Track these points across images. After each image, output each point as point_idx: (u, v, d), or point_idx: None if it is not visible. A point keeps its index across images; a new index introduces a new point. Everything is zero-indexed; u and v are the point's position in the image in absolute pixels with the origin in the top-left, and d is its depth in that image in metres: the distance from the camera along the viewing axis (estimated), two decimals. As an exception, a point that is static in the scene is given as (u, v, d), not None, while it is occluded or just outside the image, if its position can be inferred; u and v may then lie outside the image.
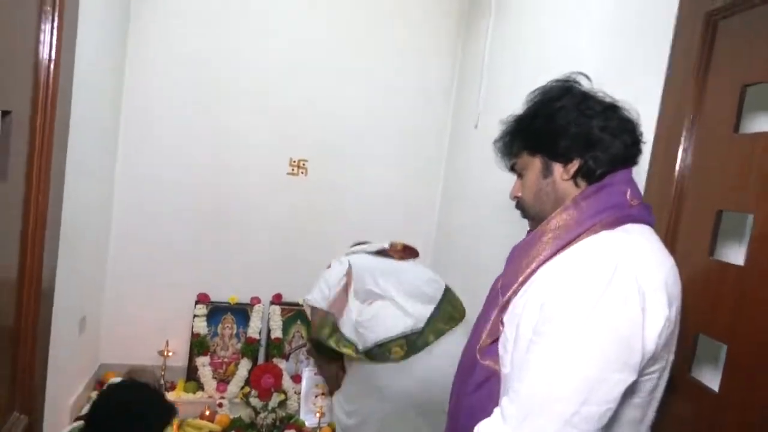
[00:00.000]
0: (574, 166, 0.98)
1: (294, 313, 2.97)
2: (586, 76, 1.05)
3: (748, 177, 1.10)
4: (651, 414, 0.93)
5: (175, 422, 2.49)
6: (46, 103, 1.04)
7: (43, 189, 1.04)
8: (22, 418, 1.06)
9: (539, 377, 0.82)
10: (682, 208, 1.27)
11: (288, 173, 2.90)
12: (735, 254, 1.20)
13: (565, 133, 0.98)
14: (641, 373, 0.84)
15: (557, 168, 1.00)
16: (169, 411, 1.66)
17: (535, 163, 1.03)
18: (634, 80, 1.44)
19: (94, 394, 2.54)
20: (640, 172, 1.35)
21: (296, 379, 2.86)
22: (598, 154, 0.96)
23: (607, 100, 1.02)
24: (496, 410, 0.87)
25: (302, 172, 2.92)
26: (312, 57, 2.84)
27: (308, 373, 2.86)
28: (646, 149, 1.35)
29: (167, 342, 2.75)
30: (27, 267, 1.00)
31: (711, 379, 1.18)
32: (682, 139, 1.26)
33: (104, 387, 1.64)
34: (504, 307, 0.95)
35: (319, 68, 2.85)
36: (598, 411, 0.79)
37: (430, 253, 3.14)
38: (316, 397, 2.83)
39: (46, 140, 1.05)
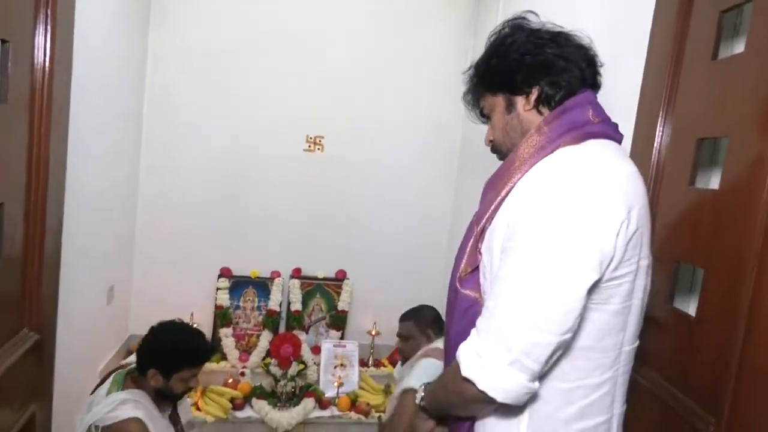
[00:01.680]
0: (534, 95, 1.00)
1: (313, 286, 3.05)
2: (536, 14, 1.07)
3: (725, 101, 1.10)
4: (633, 325, 0.93)
5: (200, 389, 2.61)
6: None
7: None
8: (32, 335, 1.15)
9: (505, 289, 0.85)
10: (665, 142, 1.27)
11: (305, 149, 2.98)
12: (714, 182, 1.19)
13: (519, 65, 1.00)
14: (610, 276, 0.86)
15: (519, 101, 1.02)
16: (209, 348, 1.82)
17: (499, 102, 1.06)
18: (627, 28, 1.44)
19: (123, 362, 2.69)
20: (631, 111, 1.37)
21: (315, 350, 2.94)
22: (554, 79, 0.99)
23: (557, 29, 1.04)
24: (473, 330, 0.90)
25: (318, 149, 3.00)
26: (330, 37, 2.91)
27: (327, 345, 2.95)
28: (636, 86, 1.36)
29: (192, 314, 2.87)
30: (32, 191, 1.09)
31: (689, 306, 1.18)
32: (666, 70, 1.26)
33: (154, 325, 1.80)
34: (480, 237, 0.98)
35: (337, 47, 2.92)
36: (562, 311, 0.82)
37: (446, 233, 3.16)
38: (335, 368, 2.92)
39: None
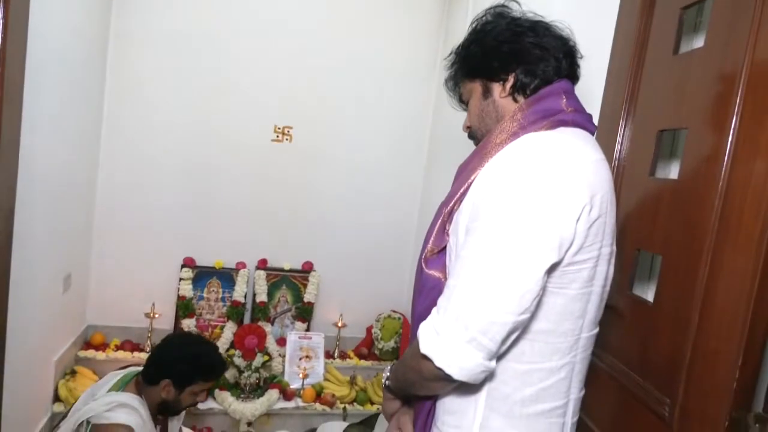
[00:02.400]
0: (509, 82, 1.01)
1: (279, 278, 3.01)
2: (517, 2, 1.09)
3: (685, 94, 1.13)
4: (592, 312, 0.95)
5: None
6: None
7: None
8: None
9: (466, 268, 0.86)
10: (627, 133, 1.30)
11: (273, 140, 2.94)
12: (673, 173, 1.23)
13: (497, 52, 1.01)
14: (570, 261, 0.87)
15: (496, 87, 1.03)
16: (222, 365, 1.80)
17: (476, 88, 1.07)
18: (593, 23, 1.47)
19: (81, 353, 2.61)
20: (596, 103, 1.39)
21: (281, 342, 2.92)
22: (529, 67, 1.00)
23: (537, 18, 1.05)
24: (434, 309, 0.90)
25: (287, 139, 2.96)
26: (300, 26, 2.87)
27: (293, 337, 2.93)
28: (601, 79, 1.39)
29: (153, 304, 2.80)
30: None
31: (648, 293, 1.21)
32: (629, 63, 1.29)
33: (168, 335, 1.78)
34: (449, 218, 0.99)
35: (307, 37, 2.89)
36: (519, 291, 0.82)
37: (414, 226, 3.18)
38: (300, 359, 2.90)
39: None
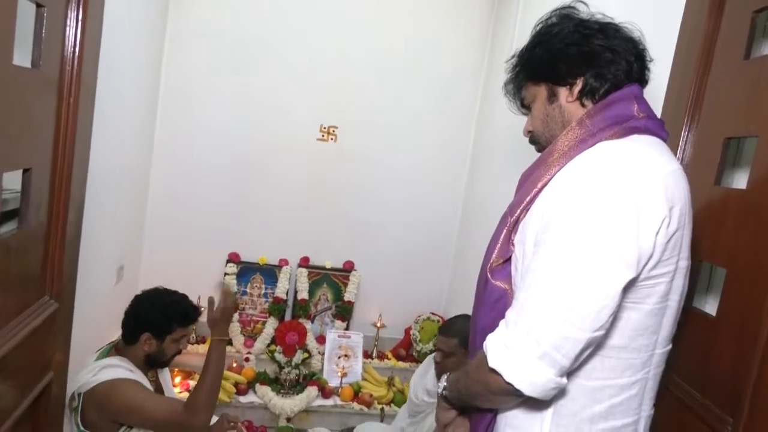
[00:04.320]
0: (578, 86, 0.98)
1: (320, 276, 3.05)
2: (585, 3, 1.06)
3: (756, 100, 1.09)
4: (667, 327, 0.92)
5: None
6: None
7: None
8: (52, 302, 1.15)
9: (538, 281, 0.83)
10: (690, 140, 1.26)
11: (318, 139, 2.98)
12: (739, 182, 1.18)
13: (564, 55, 0.98)
14: (647, 275, 0.84)
15: (562, 92, 1.00)
16: (195, 309, 1.83)
17: (541, 92, 1.03)
18: (656, 20, 1.43)
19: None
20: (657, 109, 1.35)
21: (320, 340, 2.95)
22: (599, 71, 0.96)
23: (606, 20, 1.02)
24: (502, 321, 0.88)
25: (332, 139, 3.00)
26: (349, 27, 2.91)
27: (332, 335, 2.96)
28: (662, 84, 1.35)
29: (199, 297, 2.87)
30: (58, 160, 1.10)
31: (706, 305, 1.17)
32: (695, 67, 1.25)
33: (137, 295, 1.83)
34: (514, 227, 0.96)
35: (356, 38, 2.92)
36: (595, 307, 0.80)
37: (457, 228, 3.16)
38: (339, 358, 2.92)
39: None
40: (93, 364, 1.65)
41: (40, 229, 1.07)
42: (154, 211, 2.86)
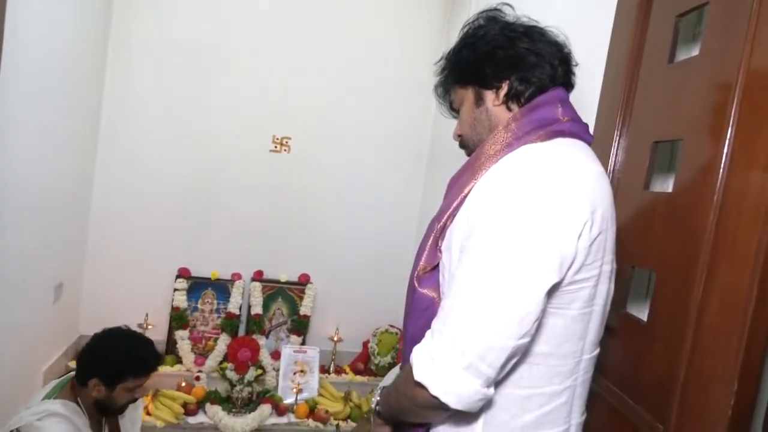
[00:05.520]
0: (503, 90, 0.97)
1: (275, 290, 2.97)
2: (511, 6, 1.05)
3: (680, 103, 1.09)
4: (593, 332, 0.90)
5: (150, 393, 2.51)
6: None
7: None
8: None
9: (461, 289, 0.81)
10: (622, 144, 1.26)
11: (271, 150, 2.92)
12: (670, 187, 1.18)
13: (490, 58, 0.97)
14: (570, 280, 0.83)
15: (489, 95, 0.99)
16: (157, 357, 1.70)
17: (468, 95, 1.02)
18: (590, 26, 1.44)
19: (71, 364, 2.57)
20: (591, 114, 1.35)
21: (275, 355, 2.87)
22: (524, 74, 0.95)
23: (531, 23, 1.01)
24: (428, 332, 0.85)
25: (285, 150, 2.94)
26: (299, 35, 2.87)
27: (288, 350, 2.88)
28: (596, 90, 1.35)
29: (147, 315, 2.77)
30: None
31: (641, 311, 1.16)
32: (624, 72, 1.26)
33: (97, 332, 1.68)
34: (441, 234, 0.94)
35: (306, 46, 2.88)
36: (519, 314, 0.77)
37: (413, 239, 3.13)
38: (294, 374, 2.84)
39: None
40: (42, 405, 1.53)
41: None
42: (97, 225, 2.74)
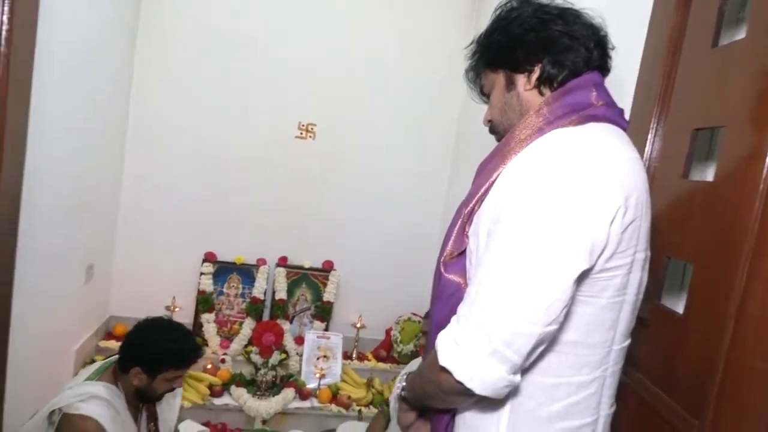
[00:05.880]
0: (535, 73, 0.94)
1: (299, 276, 2.99)
2: None
3: (724, 89, 1.05)
4: (625, 322, 0.88)
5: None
6: None
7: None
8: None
9: (488, 274, 0.80)
10: (660, 132, 1.22)
11: (296, 136, 2.93)
12: (709, 175, 1.14)
13: (521, 41, 0.95)
14: (602, 267, 0.81)
15: (520, 79, 0.97)
16: (197, 350, 1.73)
17: (499, 79, 1.00)
18: (627, 10, 1.39)
19: (102, 344, 2.64)
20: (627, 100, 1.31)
21: (299, 341, 2.90)
22: (558, 58, 0.93)
23: (566, 5, 0.98)
24: (454, 317, 0.84)
25: (310, 136, 2.94)
26: (328, 22, 2.86)
27: (311, 336, 2.90)
28: (633, 75, 1.31)
29: (174, 298, 2.82)
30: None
31: (679, 304, 1.13)
32: (664, 57, 1.21)
33: (140, 321, 1.72)
34: (468, 219, 0.93)
35: (335, 33, 2.87)
36: (547, 300, 0.76)
37: (438, 227, 3.11)
38: (317, 359, 2.87)
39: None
40: (84, 387, 1.57)
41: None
42: (127, 209, 2.79)
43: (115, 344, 2.63)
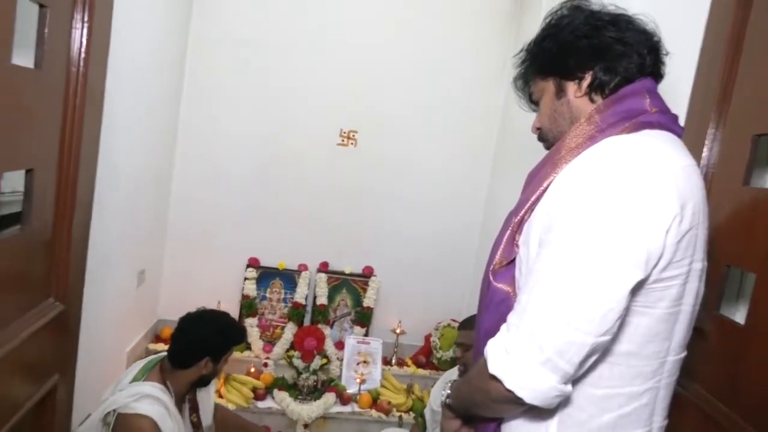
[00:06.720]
0: (586, 80, 0.94)
1: (339, 281, 3.03)
2: None
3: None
4: (681, 333, 0.86)
5: (222, 377, 2.62)
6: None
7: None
8: (57, 304, 1.15)
9: (540, 283, 0.79)
10: (717, 137, 1.19)
11: (338, 144, 2.97)
12: (764, 181, 1.11)
13: (573, 48, 0.94)
14: (657, 277, 0.79)
15: (570, 86, 0.96)
16: (240, 332, 1.89)
17: (549, 87, 0.99)
18: (682, 13, 1.36)
19: (151, 346, 2.73)
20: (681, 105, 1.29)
21: (339, 346, 2.92)
22: (610, 64, 0.92)
23: (618, 11, 0.97)
24: (503, 325, 0.84)
25: (352, 143, 2.98)
26: (368, 31, 2.89)
27: (351, 341, 2.93)
28: (688, 78, 1.29)
29: (219, 302, 2.88)
30: (64, 161, 1.10)
31: (737, 313, 1.10)
32: (722, 61, 1.18)
33: (183, 319, 1.82)
34: (518, 228, 0.92)
35: (375, 42, 2.90)
36: (601, 310, 0.75)
37: (478, 234, 3.10)
38: (357, 364, 2.89)
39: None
40: (135, 387, 1.65)
41: (45, 230, 1.07)
42: (175, 215, 2.89)
43: (163, 346, 2.71)
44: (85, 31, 1.10)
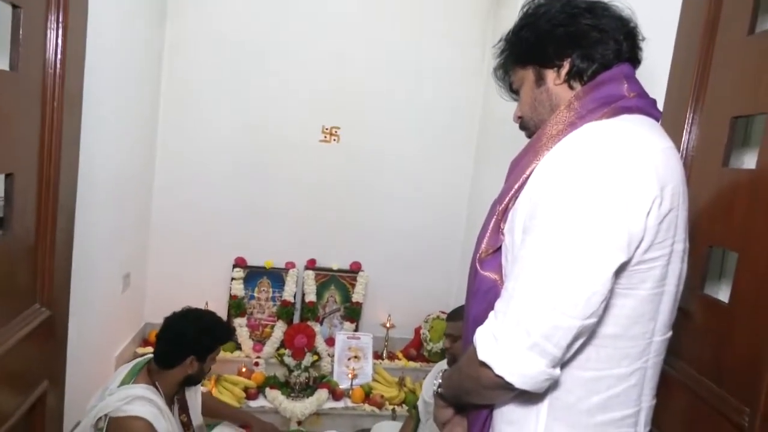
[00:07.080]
0: (565, 68, 0.95)
1: (327, 278, 3.02)
2: None
3: (763, 76, 1.04)
4: (665, 313, 0.88)
5: (213, 377, 2.61)
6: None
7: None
8: (43, 310, 1.13)
9: (526, 269, 0.81)
10: (696, 120, 1.21)
11: (321, 140, 2.96)
12: (749, 163, 1.13)
13: (550, 37, 0.95)
14: (640, 259, 0.81)
15: (549, 74, 0.97)
16: (229, 325, 1.86)
17: (528, 75, 1.00)
18: (660, 4, 1.38)
19: (139, 350, 2.70)
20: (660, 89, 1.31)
21: (329, 342, 2.92)
22: (587, 51, 0.93)
23: None
24: (491, 313, 0.85)
25: (335, 140, 2.97)
26: (348, 26, 2.88)
27: (341, 337, 2.93)
28: (665, 64, 1.31)
29: (207, 303, 2.85)
30: (44, 165, 1.08)
31: (720, 292, 1.12)
32: (698, 45, 1.20)
33: (168, 318, 1.80)
34: (503, 216, 0.93)
35: (355, 37, 2.89)
36: (586, 293, 0.76)
37: (464, 224, 3.12)
38: (349, 359, 2.89)
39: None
40: (125, 390, 1.63)
41: (27, 236, 1.05)
42: (158, 217, 2.85)
43: (151, 350, 2.68)
44: (60, 32, 1.08)
